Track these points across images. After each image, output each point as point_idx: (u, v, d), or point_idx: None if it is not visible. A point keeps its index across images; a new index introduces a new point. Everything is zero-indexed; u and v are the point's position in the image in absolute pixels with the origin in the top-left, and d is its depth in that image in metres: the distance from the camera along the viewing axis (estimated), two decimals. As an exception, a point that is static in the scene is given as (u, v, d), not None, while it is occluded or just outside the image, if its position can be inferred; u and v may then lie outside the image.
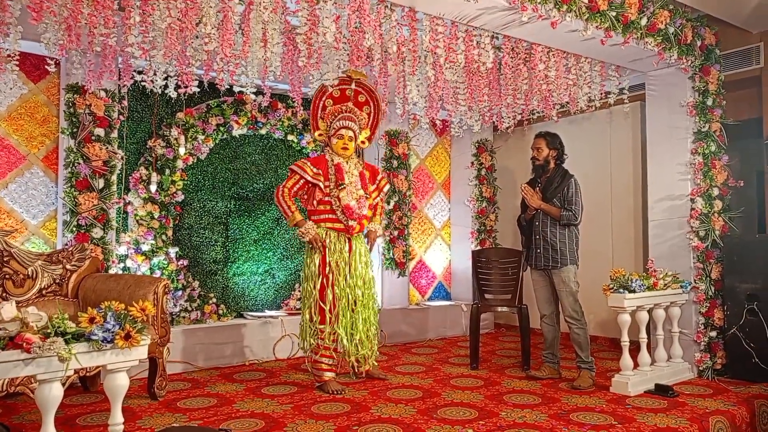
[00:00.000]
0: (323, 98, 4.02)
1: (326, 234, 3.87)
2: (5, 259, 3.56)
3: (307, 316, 3.87)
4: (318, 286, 3.84)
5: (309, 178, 3.87)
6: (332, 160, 3.97)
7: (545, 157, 4.23)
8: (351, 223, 3.88)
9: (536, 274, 4.25)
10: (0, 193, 4.08)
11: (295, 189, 3.90)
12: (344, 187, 3.89)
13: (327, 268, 3.84)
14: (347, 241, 3.93)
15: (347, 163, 4.00)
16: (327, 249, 3.85)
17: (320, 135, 4.08)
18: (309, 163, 3.92)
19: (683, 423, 3.18)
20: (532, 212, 4.23)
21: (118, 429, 2.22)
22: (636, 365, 3.92)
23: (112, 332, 2.14)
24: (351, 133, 4.01)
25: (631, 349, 3.90)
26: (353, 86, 4.03)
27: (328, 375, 3.87)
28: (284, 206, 3.86)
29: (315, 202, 3.91)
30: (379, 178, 4.20)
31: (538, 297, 4.26)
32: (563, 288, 4.07)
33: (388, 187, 4.28)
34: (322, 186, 3.89)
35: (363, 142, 4.15)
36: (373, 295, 4.06)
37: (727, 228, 4.29)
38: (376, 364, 4.16)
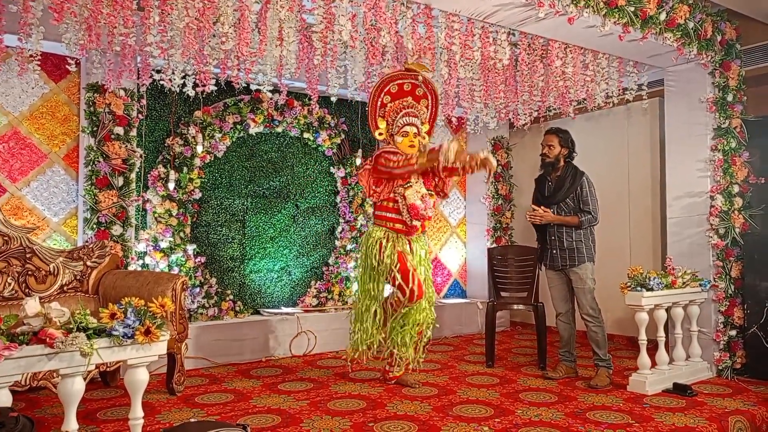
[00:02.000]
0: (381, 95, 3.83)
1: (385, 235, 3.76)
2: (28, 256, 3.63)
3: (371, 315, 3.77)
4: (380, 286, 3.80)
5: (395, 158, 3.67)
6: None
7: (556, 154, 4.17)
8: (415, 222, 3.73)
9: (551, 272, 4.22)
10: (22, 191, 4.15)
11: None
12: (410, 186, 3.74)
13: (384, 265, 3.74)
14: (407, 243, 3.80)
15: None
16: (384, 248, 3.73)
17: (381, 134, 3.89)
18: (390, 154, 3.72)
19: (702, 423, 3.15)
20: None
21: (138, 423, 2.25)
22: (654, 364, 3.88)
23: (133, 328, 2.17)
24: (415, 130, 3.84)
25: (649, 348, 3.87)
26: (420, 79, 3.87)
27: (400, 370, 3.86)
28: (402, 166, 3.59)
29: (382, 196, 3.78)
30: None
31: (554, 295, 4.24)
32: (581, 286, 4.04)
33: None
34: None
35: (423, 137, 3.93)
36: (431, 297, 3.92)
37: (747, 226, 4.23)
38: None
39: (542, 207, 4.17)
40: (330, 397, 3.65)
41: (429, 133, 4.06)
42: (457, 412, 3.33)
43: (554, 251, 4.14)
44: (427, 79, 3.92)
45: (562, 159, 4.18)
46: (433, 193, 3.85)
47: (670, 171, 4.56)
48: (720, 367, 4.16)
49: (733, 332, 4.17)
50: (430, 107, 4.02)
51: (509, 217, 6.46)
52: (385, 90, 3.84)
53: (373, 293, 3.82)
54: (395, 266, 3.70)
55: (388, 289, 3.87)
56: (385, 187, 3.77)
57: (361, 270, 3.91)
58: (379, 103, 3.86)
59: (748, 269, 4.15)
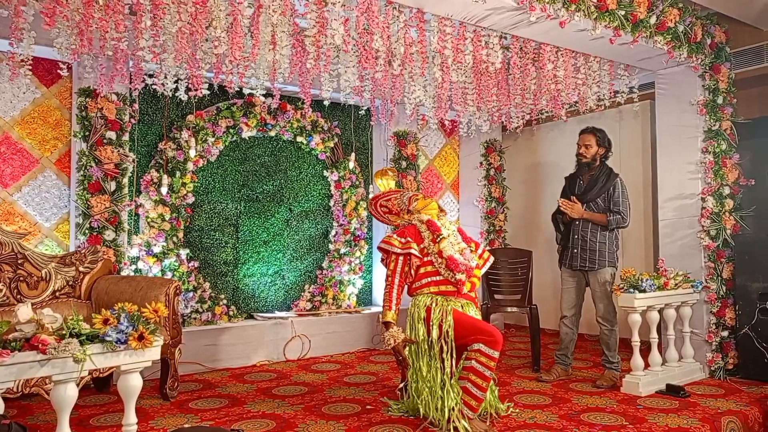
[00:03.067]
0: (379, 208, 3.83)
1: (432, 299, 3.29)
2: (19, 262, 3.60)
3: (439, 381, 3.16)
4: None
5: (399, 250, 3.34)
6: (421, 221, 3.47)
7: (593, 154, 4.15)
8: (459, 276, 3.25)
9: (567, 273, 4.22)
10: (14, 196, 4.13)
11: (399, 270, 3.34)
12: (443, 238, 3.34)
13: (431, 341, 3.22)
14: (461, 307, 3.27)
15: (438, 220, 3.50)
16: (432, 317, 3.21)
17: (401, 219, 3.69)
18: (394, 235, 3.41)
19: (695, 423, 3.16)
20: (569, 219, 4.17)
21: (131, 429, 2.24)
22: (647, 365, 3.90)
23: (126, 333, 2.16)
24: (422, 194, 3.71)
25: (642, 349, 3.89)
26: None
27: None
28: (386, 297, 3.31)
29: (413, 272, 3.38)
30: (481, 249, 3.56)
31: (564, 297, 4.23)
32: (598, 289, 4.05)
33: (492, 260, 3.63)
34: (415, 251, 3.34)
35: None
36: None
37: (738, 227, 4.26)
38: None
39: (573, 198, 4.14)
40: (324, 401, 3.64)
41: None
42: (452, 415, 3.32)
43: (575, 250, 4.12)
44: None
45: (598, 159, 4.17)
46: (473, 248, 3.48)
47: (661, 173, 4.59)
48: (712, 368, 4.18)
49: (725, 333, 4.20)
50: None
51: (502, 219, 6.48)
52: (379, 204, 3.83)
53: (425, 373, 3.22)
54: (450, 326, 3.15)
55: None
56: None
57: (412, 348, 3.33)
58: (382, 212, 3.83)
59: (739, 270, 4.18)
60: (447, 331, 3.15)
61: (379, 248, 3.49)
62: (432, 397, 3.17)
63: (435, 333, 3.18)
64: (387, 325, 3.22)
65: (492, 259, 3.61)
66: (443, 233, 3.38)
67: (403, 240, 3.38)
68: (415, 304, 3.34)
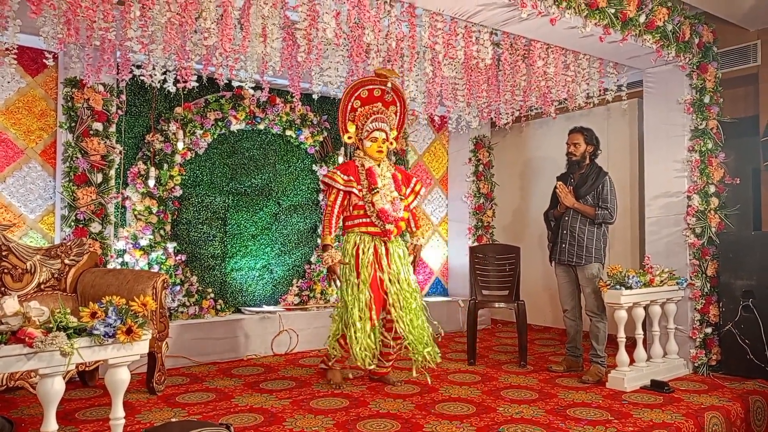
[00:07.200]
0: (351, 99, 3.83)
1: (360, 238, 3.73)
2: (4, 254, 3.55)
3: (355, 324, 3.60)
4: (358, 296, 3.65)
5: (341, 188, 3.73)
6: (363, 165, 3.82)
7: (583, 152, 4.21)
8: (388, 227, 3.71)
9: (560, 268, 4.27)
10: (-3, 188, 4.07)
11: (338, 202, 3.75)
12: (378, 191, 3.73)
13: (361, 275, 3.67)
14: (383, 244, 3.75)
15: (379, 166, 3.84)
16: (361, 253, 3.69)
17: (350, 138, 3.87)
18: (338, 172, 3.78)
19: (678, 419, 3.21)
20: (563, 210, 4.22)
21: (119, 423, 2.22)
22: (632, 361, 3.94)
23: (114, 327, 2.14)
24: (384, 135, 3.83)
25: (627, 345, 3.92)
26: (389, 86, 3.85)
27: (338, 365, 3.83)
28: (325, 224, 3.74)
29: (350, 208, 3.78)
30: (413, 182, 3.99)
31: (561, 292, 4.31)
32: (586, 284, 4.12)
33: (423, 190, 4.02)
34: (356, 191, 3.74)
35: (390, 143, 3.94)
36: (415, 295, 3.80)
37: (723, 225, 4.32)
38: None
39: (570, 189, 4.19)
40: (312, 395, 3.64)
41: (396, 138, 4.06)
42: (440, 409, 3.35)
43: (563, 245, 4.19)
44: (397, 85, 3.90)
45: (588, 157, 4.23)
46: (403, 197, 3.86)
47: (648, 171, 4.64)
48: (696, 364, 4.24)
49: (709, 330, 4.25)
50: (398, 113, 4.01)
51: (491, 215, 6.50)
52: (356, 95, 3.83)
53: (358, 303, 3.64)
54: (367, 283, 3.63)
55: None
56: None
57: (345, 279, 3.76)
58: (349, 107, 3.85)
59: (724, 268, 4.23)
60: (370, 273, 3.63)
61: (323, 182, 3.82)
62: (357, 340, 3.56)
63: (364, 273, 3.64)
64: (325, 247, 3.68)
65: (424, 189, 3.99)
66: (378, 185, 3.74)
67: (345, 177, 3.75)
68: (347, 240, 3.78)
